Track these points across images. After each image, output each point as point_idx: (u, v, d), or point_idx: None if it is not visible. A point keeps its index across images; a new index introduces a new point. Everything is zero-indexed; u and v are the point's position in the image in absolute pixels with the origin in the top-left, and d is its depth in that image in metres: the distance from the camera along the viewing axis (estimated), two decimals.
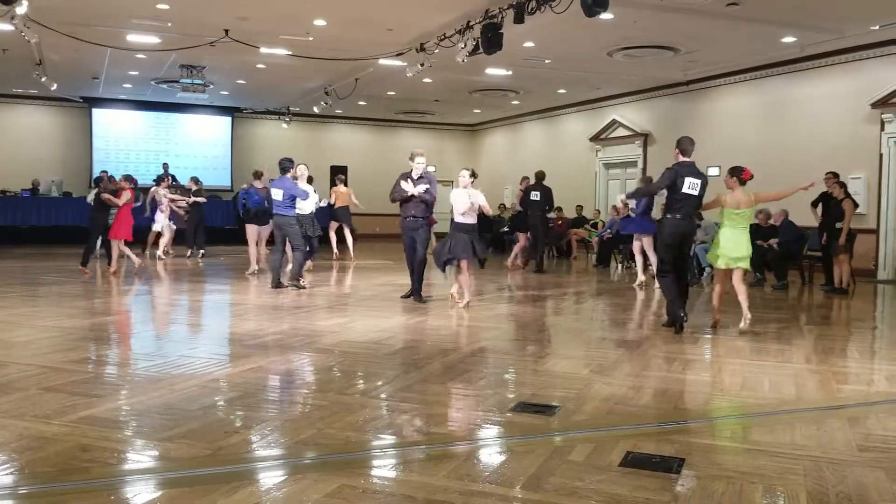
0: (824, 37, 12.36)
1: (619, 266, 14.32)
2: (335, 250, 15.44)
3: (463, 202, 8.41)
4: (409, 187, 8.75)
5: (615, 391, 4.88)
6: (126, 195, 11.57)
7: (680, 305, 7.18)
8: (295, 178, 10.38)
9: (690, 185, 7.08)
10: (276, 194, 10.00)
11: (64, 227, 17.88)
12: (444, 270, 9.07)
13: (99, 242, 12.95)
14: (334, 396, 4.68)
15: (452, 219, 8.67)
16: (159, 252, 14.32)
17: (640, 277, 11.51)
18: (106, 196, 11.61)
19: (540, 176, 13.61)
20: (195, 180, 15.38)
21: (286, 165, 10.16)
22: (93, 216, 12.01)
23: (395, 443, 3.85)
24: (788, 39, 12.63)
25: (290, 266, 10.69)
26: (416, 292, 9.14)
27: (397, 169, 24.62)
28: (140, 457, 3.61)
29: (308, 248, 10.61)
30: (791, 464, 3.54)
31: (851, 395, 5.02)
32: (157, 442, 3.73)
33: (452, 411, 4.39)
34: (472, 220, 8.50)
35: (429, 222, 9.17)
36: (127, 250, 11.92)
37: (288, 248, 10.55)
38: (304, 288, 10.03)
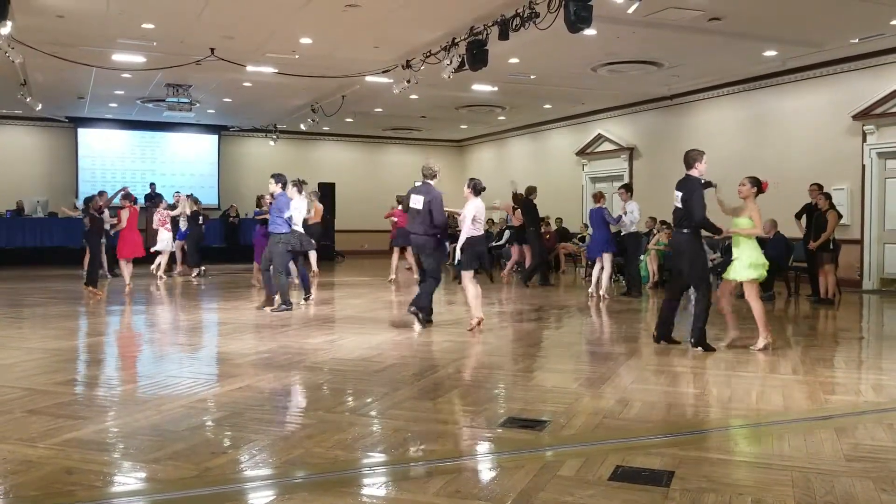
0: (805, 50, 12.51)
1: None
2: (315, 268, 15.39)
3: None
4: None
5: (604, 405, 4.88)
6: (126, 213, 11.48)
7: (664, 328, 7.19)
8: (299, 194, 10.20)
9: (676, 199, 7.07)
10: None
11: (49, 248, 17.78)
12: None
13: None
14: (323, 415, 4.66)
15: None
16: (159, 272, 14.49)
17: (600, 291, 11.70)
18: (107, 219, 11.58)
19: (532, 191, 13.75)
20: (194, 199, 15.46)
21: (284, 181, 9.88)
22: (89, 236, 11.88)
23: (385, 460, 3.84)
24: (770, 53, 12.77)
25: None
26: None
27: (385, 185, 24.64)
28: (126, 479, 3.57)
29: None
30: (779, 475, 3.54)
31: (839, 405, 5.04)
32: (143, 464, 3.70)
33: (442, 428, 4.38)
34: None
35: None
36: (127, 272, 11.79)
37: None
38: (290, 308, 9.78)
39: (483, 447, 4.14)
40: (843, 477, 3.51)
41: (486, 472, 3.71)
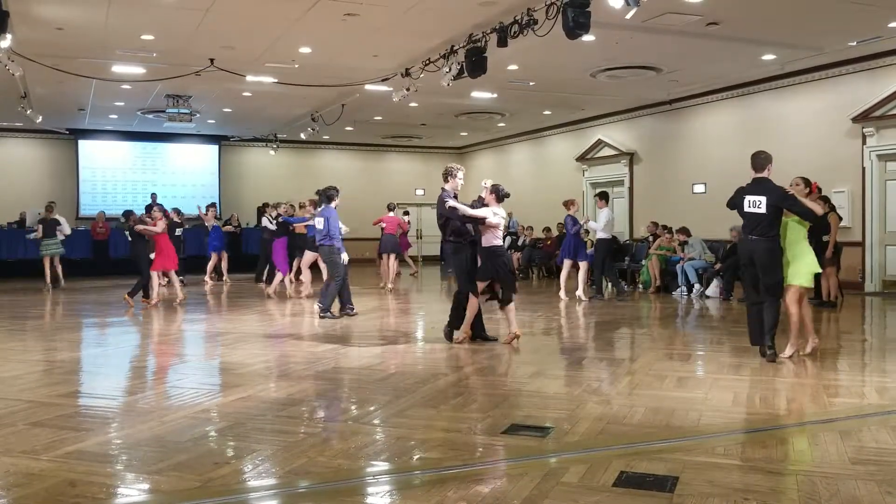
0: (804, 54, 12.53)
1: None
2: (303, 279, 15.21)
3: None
4: (484, 211, 7.52)
5: (607, 410, 4.87)
6: (161, 224, 11.48)
7: (759, 333, 6.66)
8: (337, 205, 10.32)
9: (751, 203, 6.59)
10: (321, 223, 9.98)
11: None
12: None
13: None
14: (326, 424, 4.65)
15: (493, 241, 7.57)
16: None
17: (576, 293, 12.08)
18: (141, 228, 11.48)
19: None
20: (177, 211, 15.36)
21: (332, 194, 10.17)
22: (136, 249, 11.69)
23: (388, 469, 3.83)
24: (769, 57, 12.79)
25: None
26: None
27: (386, 193, 24.54)
28: (129, 491, 3.57)
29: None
30: (784, 478, 3.54)
31: (843, 408, 5.02)
32: (146, 475, 3.69)
33: (445, 435, 4.37)
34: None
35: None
36: (176, 279, 11.79)
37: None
38: (336, 317, 9.93)
39: (487, 454, 4.13)
40: (848, 480, 3.50)
41: (491, 480, 3.70)
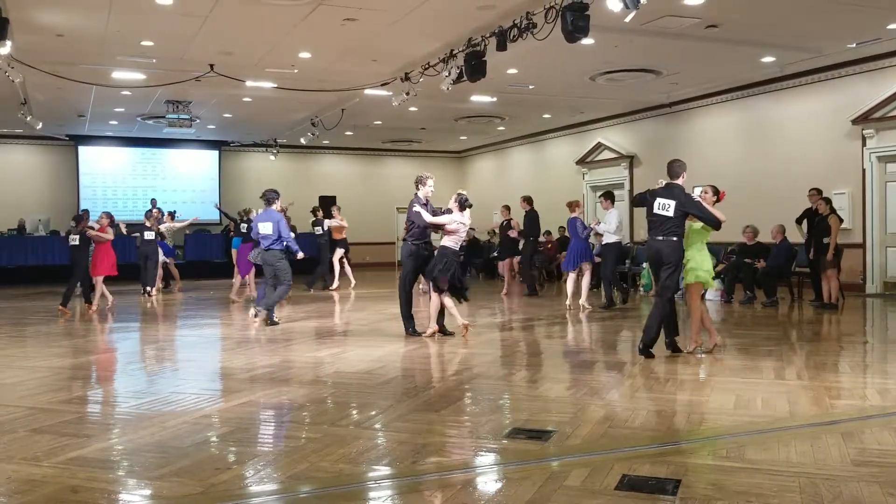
0: (803, 56, 12.53)
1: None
2: (336, 280, 15.41)
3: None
4: (445, 218, 8.29)
5: (609, 414, 4.87)
6: (111, 231, 11.56)
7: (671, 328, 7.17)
8: (283, 209, 10.29)
9: (661, 206, 7.00)
10: (266, 228, 9.63)
11: (51, 266, 17.76)
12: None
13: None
14: (327, 428, 4.65)
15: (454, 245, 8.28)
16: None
17: (578, 301, 11.37)
18: (92, 234, 11.50)
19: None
20: (147, 215, 15.24)
21: (272, 197, 9.86)
22: (78, 255, 11.68)
23: (390, 474, 3.82)
24: (768, 59, 12.80)
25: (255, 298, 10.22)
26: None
27: (386, 197, 24.47)
28: (131, 496, 3.57)
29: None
30: (787, 481, 3.53)
31: (845, 410, 5.02)
32: (148, 481, 3.69)
33: (447, 440, 4.37)
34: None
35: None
36: (104, 288, 11.76)
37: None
38: (276, 323, 9.72)
39: (488, 458, 4.12)
40: (851, 482, 3.50)
41: (492, 484, 3.69)
